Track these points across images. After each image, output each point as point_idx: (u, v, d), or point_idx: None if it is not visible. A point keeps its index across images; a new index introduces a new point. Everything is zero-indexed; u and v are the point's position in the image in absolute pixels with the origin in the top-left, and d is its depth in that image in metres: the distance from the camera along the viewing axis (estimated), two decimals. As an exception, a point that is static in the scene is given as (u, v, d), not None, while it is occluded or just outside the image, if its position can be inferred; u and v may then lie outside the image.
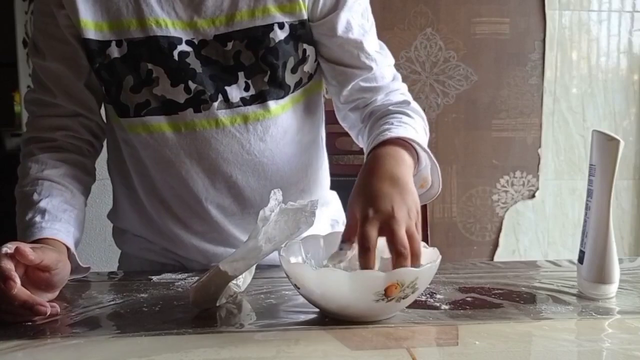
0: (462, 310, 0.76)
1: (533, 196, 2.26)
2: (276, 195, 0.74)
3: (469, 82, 2.13)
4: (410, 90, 1.06)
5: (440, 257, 0.74)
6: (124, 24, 0.92)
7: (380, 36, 1.04)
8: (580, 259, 0.82)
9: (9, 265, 0.73)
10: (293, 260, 0.77)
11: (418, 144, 0.87)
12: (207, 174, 0.96)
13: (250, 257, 0.73)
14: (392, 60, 1.03)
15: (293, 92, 0.98)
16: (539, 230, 2.29)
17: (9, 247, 0.75)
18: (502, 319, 0.73)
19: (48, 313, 0.72)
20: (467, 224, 2.25)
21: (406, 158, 0.84)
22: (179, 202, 0.99)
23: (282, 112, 0.98)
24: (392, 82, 1.02)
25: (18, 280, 0.71)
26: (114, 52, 0.92)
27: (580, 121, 2.26)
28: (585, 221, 0.81)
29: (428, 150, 0.88)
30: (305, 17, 0.96)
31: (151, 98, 0.93)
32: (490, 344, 0.65)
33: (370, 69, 0.99)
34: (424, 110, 1.01)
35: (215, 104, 0.94)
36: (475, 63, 2.14)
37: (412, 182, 0.81)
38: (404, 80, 1.05)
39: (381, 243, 0.73)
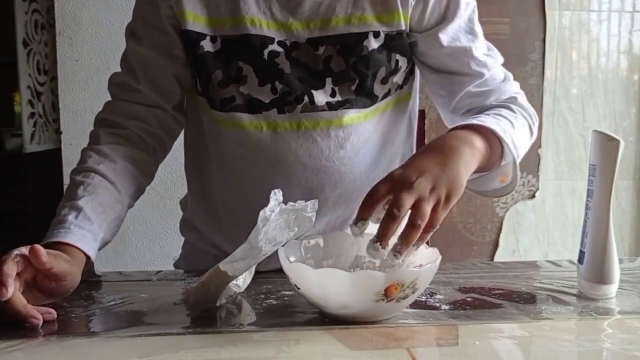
0: (462, 311, 0.76)
1: (533, 196, 2.26)
2: (276, 196, 0.73)
3: (469, 82, 2.13)
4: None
5: (440, 257, 0.74)
6: (221, 21, 0.92)
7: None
8: (580, 259, 0.82)
9: (9, 270, 0.72)
10: (293, 260, 0.77)
11: (501, 136, 0.85)
12: (283, 177, 0.95)
13: (250, 257, 0.73)
14: (501, 60, 1.01)
15: (380, 101, 0.97)
16: (539, 230, 2.29)
17: (21, 250, 0.75)
18: (502, 319, 0.73)
19: (40, 325, 0.72)
20: (467, 224, 2.25)
21: (477, 143, 0.83)
22: (247, 200, 0.97)
23: (365, 120, 0.96)
24: (503, 84, 0.99)
25: (11, 289, 0.71)
26: (207, 46, 0.92)
27: (580, 121, 2.26)
28: (585, 221, 0.81)
29: (514, 144, 0.87)
30: (403, 27, 0.93)
31: (237, 95, 0.93)
32: (490, 344, 0.65)
33: (481, 75, 0.96)
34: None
35: (300, 106, 0.92)
36: (476, 63, 2.14)
37: (467, 161, 0.80)
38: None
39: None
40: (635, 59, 2.27)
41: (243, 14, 0.91)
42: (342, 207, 0.98)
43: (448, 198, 0.76)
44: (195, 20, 0.92)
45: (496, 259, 2.25)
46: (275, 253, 0.74)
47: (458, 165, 0.79)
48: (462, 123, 0.87)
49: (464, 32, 0.95)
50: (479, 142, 0.84)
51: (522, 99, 0.99)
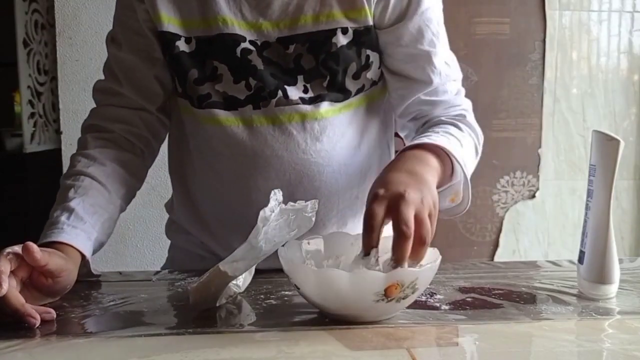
0: (462, 311, 0.76)
1: (533, 196, 2.26)
2: (276, 196, 0.73)
3: (469, 83, 2.13)
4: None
5: (440, 257, 0.74)
6: (194, 22, 0.94)
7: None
8: (580, 259, 0.82)
9: (2, 267, 0.72)
10: (293, 260, 0.77)
11: (454, 155, 0.86)
12: (261, 172, 0.95)
13: (250, 257, 0.73)
14: (458, 75, 1.01)
15: (353, 96, 0.97)
16: (539, 230, 2.29)
17: (14, 249, 0.75)
18: (502, 319, 0.73)
19: (37, 324, 0.72)
20: (467, 224, 2.25)
21: (432, 162, 0.84)
22: (229, 196, 0.99)
23: (339, 113, 0.97)
24: (454, 97, 0.99)
25: (6, 286, 0.71)
26: (182, 46, 0.94)
27: (581, 121, 2.26)
28: (585, 221, 0.81)
29: (464, 163, 0.88)
30: (371, 23, 0.94)
31: (213, 93, 0.95)
32: (490, 345, 0.65)
33: (434, 83, 0.96)
34: None
35: (274, 100, 0.93)
36: (476, 63, 2.14)
37: (433, 181, 0.81)
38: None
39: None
40: (636, 59, 2.27)
41: (215, 14, 0.92)
42: (321, 200, 0.98)
43: (435, 206, 0.77)
44: (170, 22, 0.94)
45: (496, 259, 2.25)
46: (275, 253, 0.74)
47: (426, 178, 0.79)
48: (414, 142, 0.87)
49: (425, 35, 0.95)
50: (433, 161, 0.84)
51: (471, 117, 1.00)
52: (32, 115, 2.48)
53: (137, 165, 1.00)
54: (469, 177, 0.90)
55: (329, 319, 0.72)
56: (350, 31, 0.93)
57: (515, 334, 0.69)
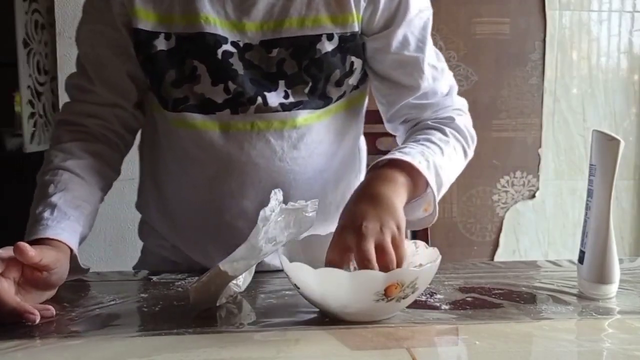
0: (462, 310, 0.76)
1: (533, 196, 2.26)
2: (277, 195, 0.73)
3: (469, 82, 2.13)
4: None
5: (440, 257, 0.74)
6: (175, 18, 0.91)
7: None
8: (581, 259, 0.82)
9: None
10: (293, 260, 0.77)
11: (419, 169, 0.85)
12: (236, 178, 0.94)
13: (250, 257, 0.73)
14: (448, 74, 1.00)
15: (334, 103, 0.96)
16: (539, 230, 2.29)
17: (2, 251, 0.74)
18: (502, 319, 0.73)
19: (37, 321, 0.71)
20: (467, 224, 2.25)
21: (400, 180, 0.83)
22: (201, 201, 0.98)
23: (318, 121, 0.96)
24: (444, 98, 0.99)
25: (3, 285, 0.71)
26: (161, 44, 0.91)
27: (581, 121, 2.26)
28: (585, 221, 0.81)
29: (436, 174, 0.87)
30: (357, 29, 0.93)
31: (190, 95, 0.93)
32: (490, 344, 0.65)
33: (423, 88, 0.96)
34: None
35: (253, 107, 0.92)
36: (476, 63, 2.14)
37: (399, 201, 0.80)
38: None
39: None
40: (636, 59, 2.27)
41: (196, 10, 0.90)
42: None
43: (398, 229, 0.77)
44: (148, 18, 0.91)
45: (496, 259, 2.25)
46: (275, 253, 0.74)
47: (390, 199, 0.79)
48: (385, 158, 0.87)
49: (414, 41, 0.94)
50: (401, 178, 0.84)
51: (461, 118, 0.99)
52: (32, 115, 2.48)
53: (113, 157, 0.99)
54: (445, 185, 0.89)
55: (329, 319, 0.72)
56: (336, 37, 0.92)
57: (516, 334, 0.69)
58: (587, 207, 0.81)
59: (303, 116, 0.94)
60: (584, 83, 2.25)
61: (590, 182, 0.80)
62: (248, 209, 0.96)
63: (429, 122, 0.97)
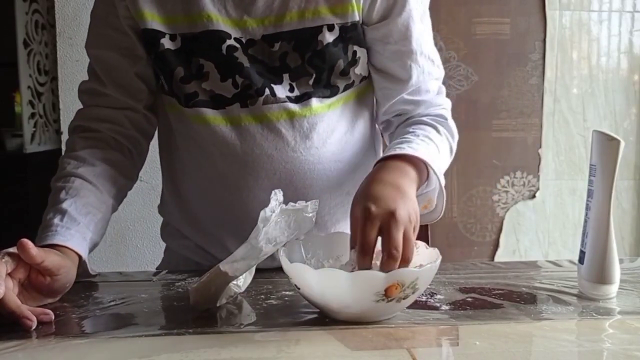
0: (462, 311, 0.76)
1: (533, 196, 2.26)
2: (277, 196, 0.73)
3: (469, 83, 2.13)
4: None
5: (440, 257, 0.74)
6: (178, 19, 0.92)
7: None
8: (581, 259, 0.82)
9: None
10: (293, 260, 0.77)
11: (432, 167, 0.86)
12: (250, 171, 0.95)
13: (250, 257, 0.73)
14: (441, 73, 1.01)
15: (342, 92, 0.97)
16: (539, 230, 2.29)
17: (8, 251, 0.75)
18: (502, 320, 0.73)
19: (33, 327, 0.71)
20: (467, 224, 2.25)
21: (411, 173, 0.84)
22: (220, 198, 0.98)
23: (328, 110, 0.96)
24: (436, 97, 1.00)
25: (2, 288, 0.71)
26: (167, 44, 0.93)
27: (581, 121, 2.26)
28: (585, 221, 0.81)
29: (439, 173, 0.88)
30: (357, 18, 0.93)
31: (200, 91, 0.94)
32: (490, 345, 0.65)
33: (418, 81, 0.97)
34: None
35: (261, 98, 0.93)
36: (476, 63, 2.14)
37: (414, 194, 0.81)
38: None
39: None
40: (636, 59, 2.27)
41: (199, 10, 0.91)
42: (312, 197, 0.98)
43: (417, 221, 0.77)
44: (153, 19, 0.92)
45: (496, 259, 2.25)
46: (276, 253, 0.74)
47: (409, 192, 0.80)
48: (392, 152, 0.87)
49: (412, 33, 0.95)
50: (412, 172, 0.84)
51: (451, 120, 1.01)
52: (33, 115, 2.48)
53: (126, 164, 1.00)
54: (443, 185, 0.90)
55: (329, 319, 0.72)
56: (337, 27, 0.92)
57: (516, 334, 0.69)
58: (587, 207, 0.81)
59: (312, 105, 0.95)
60: (584, 83, 2.25)
61: (590, 182, 0.80)
62: (266, 201, 0.96)
63: (424, 119, 0.98)
